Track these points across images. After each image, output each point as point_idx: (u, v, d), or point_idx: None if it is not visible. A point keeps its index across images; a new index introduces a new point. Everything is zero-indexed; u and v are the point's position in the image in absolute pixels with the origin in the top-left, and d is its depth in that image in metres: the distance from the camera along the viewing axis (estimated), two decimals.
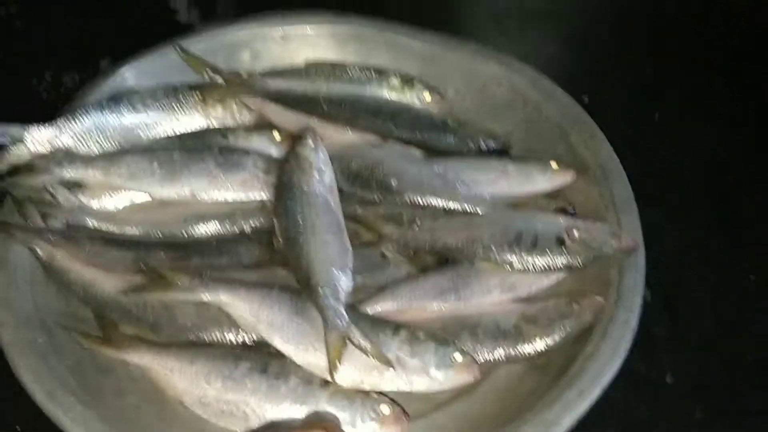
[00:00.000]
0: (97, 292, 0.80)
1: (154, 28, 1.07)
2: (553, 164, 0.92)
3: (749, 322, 0.91)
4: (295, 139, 0.90)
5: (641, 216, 0.85)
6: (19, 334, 0.74)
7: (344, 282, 0.77)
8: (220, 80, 0.97)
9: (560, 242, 0.82)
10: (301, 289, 0.78)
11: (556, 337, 0.78)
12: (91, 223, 0.86)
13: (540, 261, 0.82)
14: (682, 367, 0.86)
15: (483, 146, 0.97)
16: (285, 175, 0.87)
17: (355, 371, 0.74)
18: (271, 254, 0.84)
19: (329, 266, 0.78)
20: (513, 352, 0.78)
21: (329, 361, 0.72)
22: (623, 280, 0.80)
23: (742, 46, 1.17)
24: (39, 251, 0.80)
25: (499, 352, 0.78)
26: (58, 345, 0.75)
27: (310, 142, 0.89)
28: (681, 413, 0.84)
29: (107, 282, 0.80)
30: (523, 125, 0.99)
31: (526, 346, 0.78)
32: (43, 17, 1.21)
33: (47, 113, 0.90)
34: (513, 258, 0.82)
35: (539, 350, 0.78)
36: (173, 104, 0.95)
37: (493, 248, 0.82)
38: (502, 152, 0.98)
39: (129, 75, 0.98)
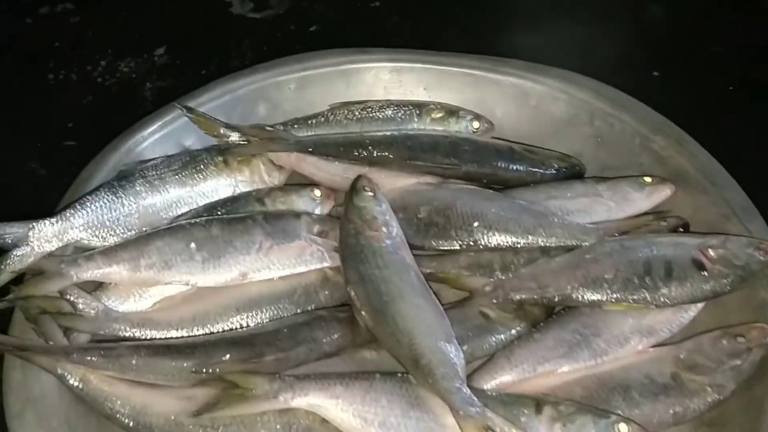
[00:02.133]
0: (151, 420, 0.63)
1: (209, 20, 1.11)
2: (647, 178, 0.81)
3: None
4: (348, 191, 0.76)
5: None
6: None
7: (456, 355, 0.63)
8: (240, 138, 0.83)
9: (699, 266, 0.68)
10: (409, 373, 0.62)
11: (731, 383, 0.64)
12: (124, 329, 0.69)
13: (680, 292, 0.68)
14: None
15: (555, 171, 0.84)
16: (348, 236, 0.72)
17: None
18: (353, 333, 0.68)
19: (435, 340, 0.63)
20: (680, 410, 0.64)
21: None
22: None
23: None
24: (68, 377, 0.63)
25: (664, 413, 0.64)
26: None
27: (368, 192, 0.75)
28: None
29: (163, 403, 0.63)
30: (591, 141, 0.89)
31: (694, 399, 0.64)
32: (98, 11, 1.21)
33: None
34: (647, 294, 0.68)
35: (711, 401, 0.64)
36: (194, 173, 0.81)
37: (621, 285, 0.68)
38: (578, 175, 0.85)
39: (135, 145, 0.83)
